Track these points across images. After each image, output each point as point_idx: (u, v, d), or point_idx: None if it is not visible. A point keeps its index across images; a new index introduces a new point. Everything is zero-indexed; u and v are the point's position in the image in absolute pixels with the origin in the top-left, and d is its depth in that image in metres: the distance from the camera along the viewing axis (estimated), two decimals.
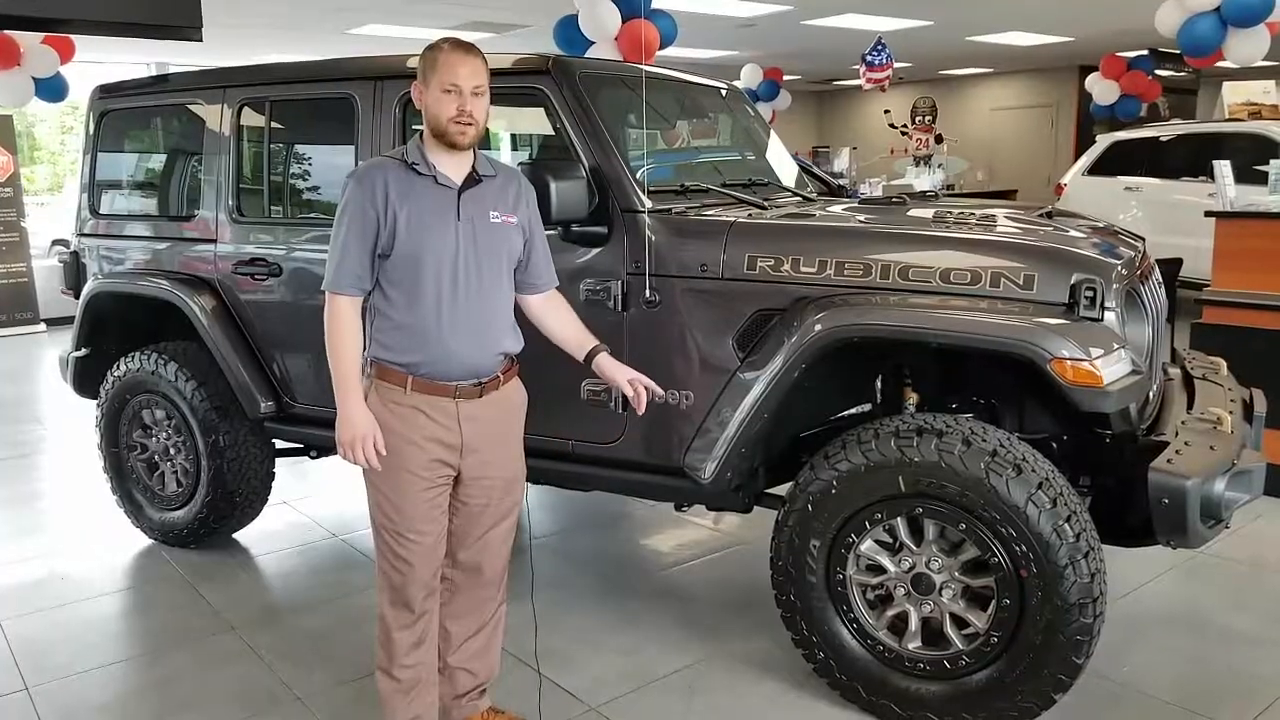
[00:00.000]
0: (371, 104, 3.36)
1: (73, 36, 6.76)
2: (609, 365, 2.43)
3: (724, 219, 2.89)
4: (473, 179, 2.28)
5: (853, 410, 3.05)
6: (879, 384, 2.97)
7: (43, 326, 9.53)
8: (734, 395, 2.72)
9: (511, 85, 3.13)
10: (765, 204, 3.15)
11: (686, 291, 2.83)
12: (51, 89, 7.83)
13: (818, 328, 2.53)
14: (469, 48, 2.23)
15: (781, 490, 2.93)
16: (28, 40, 6.50)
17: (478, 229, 2.26)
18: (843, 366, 2.75)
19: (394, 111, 3.31)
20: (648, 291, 2.85)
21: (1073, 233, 2.85)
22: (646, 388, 2.41)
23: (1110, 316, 2.41)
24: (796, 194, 3.68)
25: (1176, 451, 2.41)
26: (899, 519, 2.50)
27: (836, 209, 3.28)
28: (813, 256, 2.67)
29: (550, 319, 2.49)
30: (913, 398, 2.86)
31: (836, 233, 2.83)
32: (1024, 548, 2.32)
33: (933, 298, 2.51)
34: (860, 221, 2.92)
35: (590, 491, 3.45)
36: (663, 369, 2.88)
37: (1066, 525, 2.31)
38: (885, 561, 2.55)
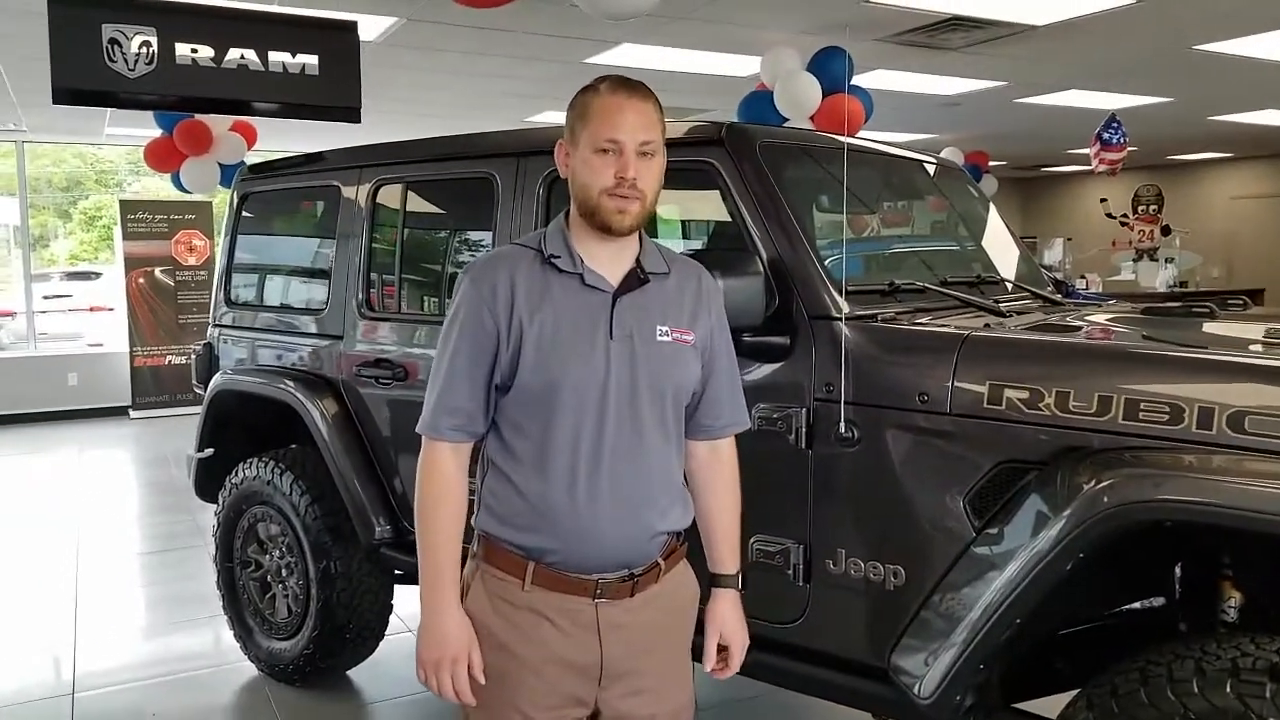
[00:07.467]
0: (513, 183, 2.84)
1: (256, 125, 6.85)
2: (717, 607, 1.76)
3: (952, 330, 2.14)
4: (635, 278, 1.62)
5: (1138, 604, 2.16)
6: (1179, 571, 2.07)
7: None
8: (968, 581, 1.92)
9: (676, 159, 2.54)
10: (1003, 310, 2.38)
11: (898, 428, 2.08)
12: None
13: (1106, 499, 1.70)
14: (635, 87, 1.58)
15: (1028, 705, 2.09)
16: (218, 128, 6.63)
17: (638, 351, 1.59)
18: (1126, 542, 1.89)
19: (537, 191, 2.78)
20: (843, 425, 2.12)
21: None
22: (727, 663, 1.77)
23: None
24: (1035, 294, 2.87)
25: None
26: None
27: (1103, 319, 2.44)
28: (1089, 389, 1.86)
29: (707, 489, 1.77)
30: (1234, 596, 1.94)
31: (1121, 355, 1.99)
32: None
33: None
34: (1152, 338, 2.07)
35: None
36: (862, 530, 2.14)
37: None
38: None
